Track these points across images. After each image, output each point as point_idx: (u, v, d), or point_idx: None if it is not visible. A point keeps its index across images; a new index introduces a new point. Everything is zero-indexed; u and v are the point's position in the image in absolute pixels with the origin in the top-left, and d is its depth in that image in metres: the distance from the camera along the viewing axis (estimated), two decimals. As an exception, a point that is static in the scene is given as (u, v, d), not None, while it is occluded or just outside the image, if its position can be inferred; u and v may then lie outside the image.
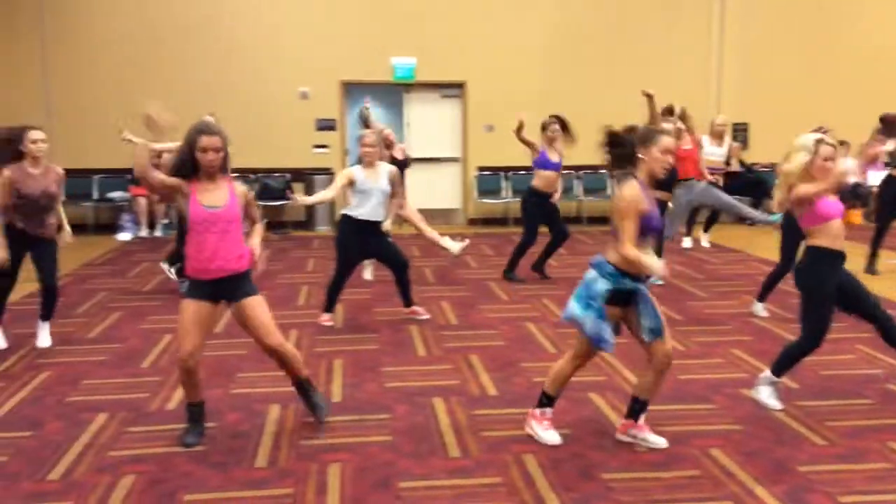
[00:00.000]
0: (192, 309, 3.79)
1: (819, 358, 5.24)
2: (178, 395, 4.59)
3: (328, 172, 11.31)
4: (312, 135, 11.39)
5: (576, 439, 3.95)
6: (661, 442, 3.85)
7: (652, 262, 3.63)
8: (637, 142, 3.65)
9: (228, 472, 3.59)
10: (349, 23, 11.32)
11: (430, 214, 9.75)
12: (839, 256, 4.19)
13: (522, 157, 11.59)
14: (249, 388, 4.72)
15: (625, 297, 3.68)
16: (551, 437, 3.91)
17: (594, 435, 4.01)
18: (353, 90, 12.43)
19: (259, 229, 4.08)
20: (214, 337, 5.81)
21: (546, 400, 3.96)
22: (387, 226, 6.48)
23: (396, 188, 6.12)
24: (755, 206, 11.58)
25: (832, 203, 4.16)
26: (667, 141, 3.67)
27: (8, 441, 3.93)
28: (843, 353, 5.38)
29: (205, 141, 3.73)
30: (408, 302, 6.31)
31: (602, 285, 3.62)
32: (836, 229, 4.15)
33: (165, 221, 10.89)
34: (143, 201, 10.61)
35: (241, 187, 3.94)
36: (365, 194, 5.86)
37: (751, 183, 10.83)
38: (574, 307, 3.71)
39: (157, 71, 11.03)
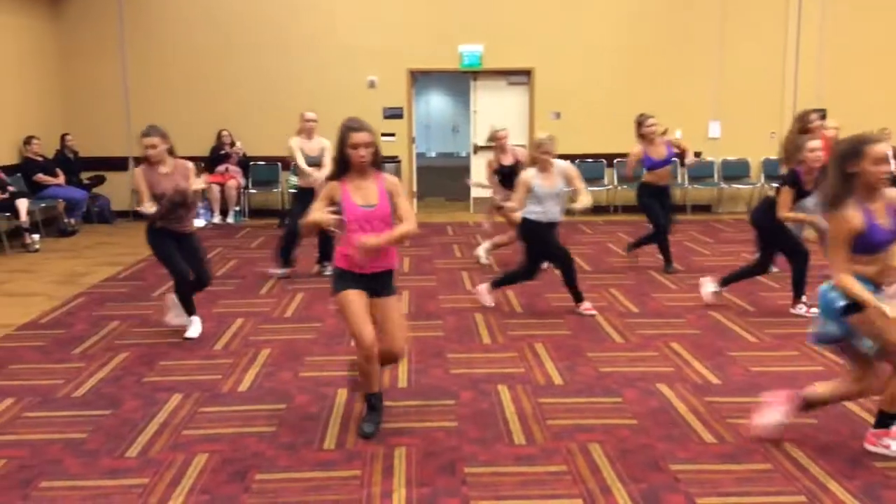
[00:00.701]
0: (355, 299, 3.77)
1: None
2: (250, 377, 4.72)
3: (395, 160, 11.39)
4: (380, 123, 11.47)
5: (643, 430, 3.91)
6: None
7: (870, 297, 3.29)
8: (844, 159, 3.38)
9: (297, 452, 3.68)
10: (417, 11, 11.35)
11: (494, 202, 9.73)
12: None
13: (589, 145, 11.55)
14: (318, 371, 4.80)
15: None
16: None
17: (662, 426, 3.95)
18: (420, 78, 12.48)
19: (403, 228, 3.79)
20: (284, 321, 5.95)
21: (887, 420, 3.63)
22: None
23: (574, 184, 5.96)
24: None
25: None
26: (878, 149, 3.34)
27: (88, 419, 4.10)
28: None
29: (355, 137, 3.69)
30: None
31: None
32: None
33: (237, 209, 11.15)
34: (216, 188, 10.87)
35: (391, 180, 3.85)
36: (540, 198, 5.81)
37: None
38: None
39: (227, 62, 11.27)
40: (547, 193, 5.82)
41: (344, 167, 3.77)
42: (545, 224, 5.91)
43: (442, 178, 15.83)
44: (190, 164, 5.44)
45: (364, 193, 3.76)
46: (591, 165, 11.69)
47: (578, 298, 6.13)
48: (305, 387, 4.54)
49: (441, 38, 11.36)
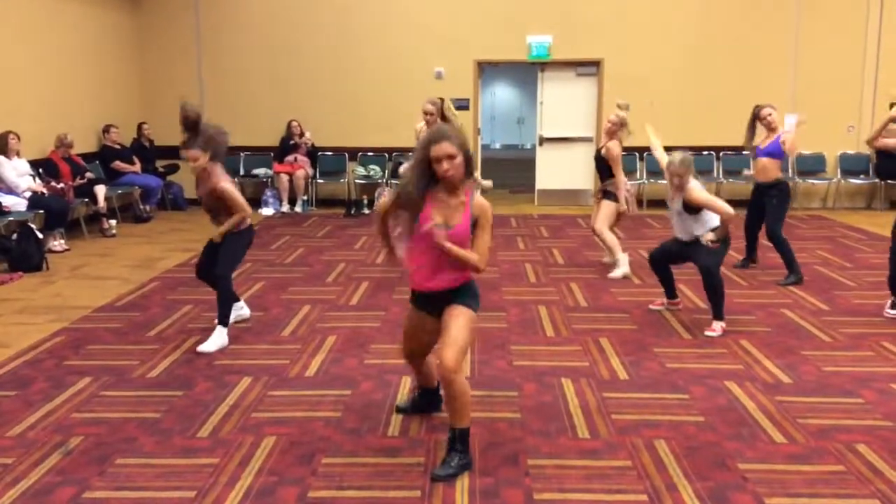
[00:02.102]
0: (412, 317, 3.60)
1: (985, 356, 4.86)
2: (317, 363, 4.80)
3: (460, 152, 11.39)
4: (445, 114, 11.49)
5: (711, 428, 3.84)
6: None
7: None
8: None
9: (363, 438, 3.73)
10: (485, 0, 11.32)
11: (562, 195, 9.67)
12: None
13: (661, 137, 11.32)
14: (382, 359, 4.86)
15: None
16: None
17: (730, 424, 3.88)
18: (487, 69, 12.45)
19: (472, 256, 3.37)
20: (350, 308, 6.04)
21: None
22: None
23: None
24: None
25: None
26: None
27: (162, 399, 4.24)
28: None
29: (434, 150, 3.26)
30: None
31: None
32: None
33: (305, 198, 11.33)
34: (284, 178, 11.08)
35: (481, 204, 3.45)
36: None
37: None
38: None
39: (297, 53, 11.45)
40: None
41: (429, 181, 3.34)
42: None
43: (506, 170, 15.77)
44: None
45: (444, 213, 3.35)
46: (659, 158, 11.48)
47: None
48: (370, 374, 4.60)
49: (509, 29, 11.31)
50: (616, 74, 11.27)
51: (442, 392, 3.56)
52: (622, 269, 7.06)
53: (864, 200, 11.63)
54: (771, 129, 6.92)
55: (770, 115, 6.89)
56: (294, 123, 11.23)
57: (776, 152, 6.87)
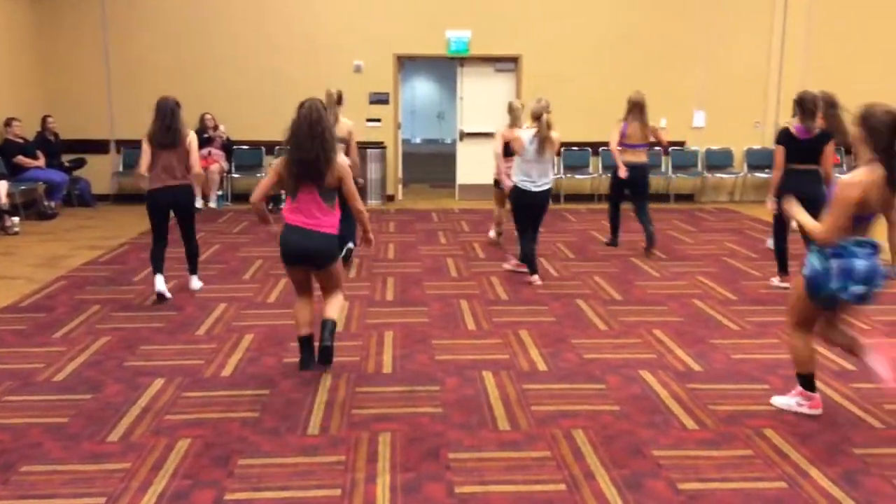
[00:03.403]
0: None
1: (877, 340, 5.12)
2: (233, 362, 4.70)
3: (380, 146, 11.34)
4: (365, 108, 11.41)
5: (626, 416, 3.93)
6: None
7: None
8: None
9: (281, 438, 3.67)
10: (403, -5, 11.28)
11: (483, 190, 9.73)
12: None
13: (574, 134, 11.53)
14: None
15: None
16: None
17: (645, 412, 3.98)
18: (407, 64, 12.41)
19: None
20: (267, 306, 5.93)
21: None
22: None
23: None
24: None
25: None
26: None
27: (69, 403, 4.07)
28: (904, 337, 5.23)
29: None
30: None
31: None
32: None
33: (220, 193, 11.06)
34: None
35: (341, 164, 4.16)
36: None
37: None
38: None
39: (210, 44, 11.16)
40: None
41: None
42: None
43: (427, 165, 15.80)
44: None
45: None
46: (577, 154, 11.70)
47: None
48: (289, 372, 4.52)
49: (428, 24, 11.30)
50: (534, 71, 11.41)
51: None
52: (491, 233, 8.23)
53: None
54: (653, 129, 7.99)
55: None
56: (208, 116, 10.93)
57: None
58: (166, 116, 5.87)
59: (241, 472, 3.33)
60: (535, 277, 6.62)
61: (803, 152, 6.06)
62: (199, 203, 10.71)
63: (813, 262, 3.71)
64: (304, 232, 4.38)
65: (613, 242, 8.26)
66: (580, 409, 4.02)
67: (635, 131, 7.84)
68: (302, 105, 4.43)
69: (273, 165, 4.51)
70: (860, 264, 3.54)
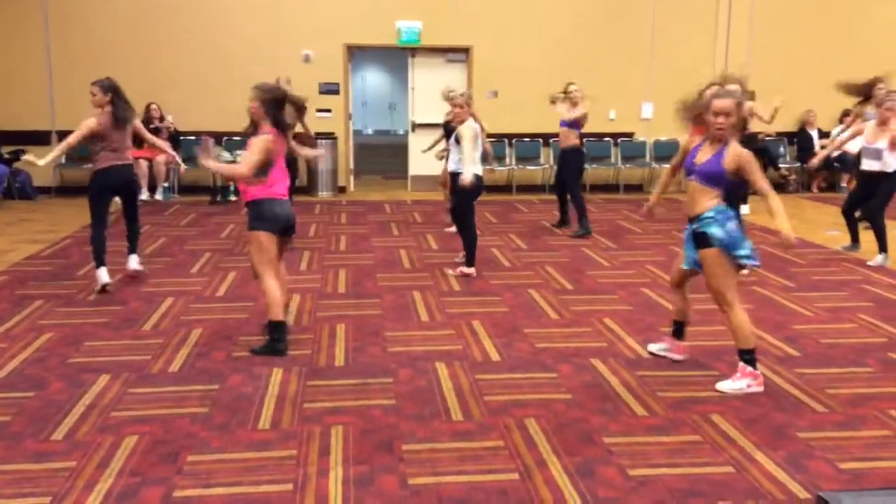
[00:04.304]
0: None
1: (819, 326, 5.27)
2: (181, 357, 4.61)
3: (332, 137, 11.24)
4: (315, 98, 11.29)
5: (578, 404, 3.97)
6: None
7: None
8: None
9: (231, 433, 3.61)
10: (353, -15, 11.18)
11: (436, 181, 9.72)
12: None
13: (526, 125, 11.60)
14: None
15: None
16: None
17: (596, 400, 4.02)
18: (357, 53, 12.31)
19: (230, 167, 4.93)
20: (216, 300, 5.84)
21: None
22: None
23: None
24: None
25: None
26: (720, 103, 4.07)
27: (11, 401, 3.95)
28: (843, 322, 5.38)
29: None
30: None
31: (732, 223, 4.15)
32: None
33: (166, 185, 10.85)
34: (144, 164, 10.52)
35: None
36: None
37: (757, 151, 10.79)
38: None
39: (156, 33, 10.92)
40: None
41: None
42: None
43: (379, 156, 15.72)
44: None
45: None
46: (528, 145, 11.77)
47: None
48: (239, 367, 4.46)
49: (379, 13, 11.23)
50: (485, 62, 11.43)
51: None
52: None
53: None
54: (573, 103, 8.32)
55: (575, 91, 8.36)
56: (153, 107, 10.68)
57: (574, 124, 8.30)
58: (121, 93, 6.00)
59: (191, 469, 3.28)
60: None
61: None
62: (144, 195, 10.52)
63: (715, 232, 4.11)
64: (287, 202, 4.73)
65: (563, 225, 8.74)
66: (532, 398, 4.05)
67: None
68: (273, 86, 4.79)
69: (264, 148, 4.53)
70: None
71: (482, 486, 3.16)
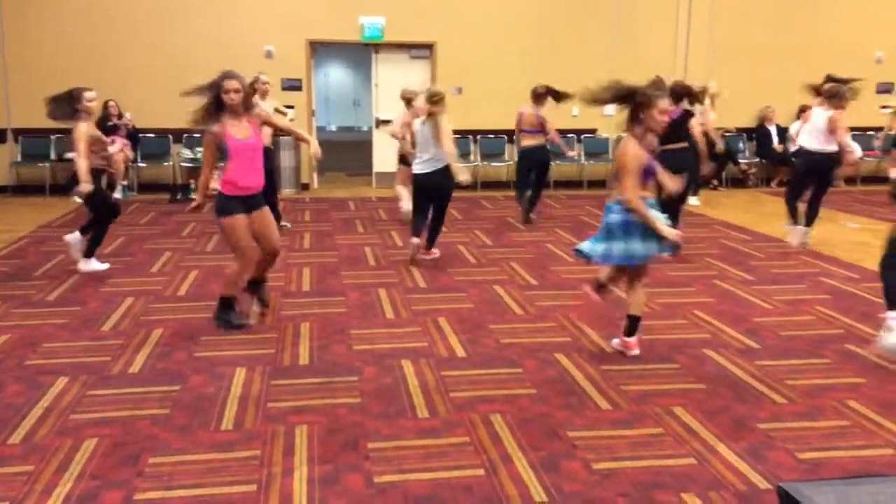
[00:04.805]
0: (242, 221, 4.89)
1: (778, 319, 5.36)
2: (142, 358, 4.54)
3: (294, 134, 11.13)
4: (278, 95, 11.17)
5: (542, 399, 3.99)
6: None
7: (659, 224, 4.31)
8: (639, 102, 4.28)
9: (193, 434, 3.57)
10: (315, -20, 11.08)
11: (395, 177, 9.69)
12: None
13: (491, 121, 11.61)
14: (214, 351, 4.66)
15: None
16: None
17: (561, 395, 4.05)
18: (320, 49, 12.22)
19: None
20: (177, 300, 5.76)
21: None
22: None
23: None
24: (720, 170, 11.78)
25: None
26: (663, 102, 4.29)
27: (-34, 405, 3.86)
28: (801, 315, 5.48)
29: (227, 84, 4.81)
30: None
31: (614, 217, 4.37)
32: None
33: (125, 183, 10.67)
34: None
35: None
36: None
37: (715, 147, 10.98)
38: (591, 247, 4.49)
39: (113, 29, 10.72)
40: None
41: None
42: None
43: (343, 153, 15.63)
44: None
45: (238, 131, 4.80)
46: (493, 141, 11.79)
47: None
48: (200, 367, 4.40)
49: (341, 9, 11.15)
50: (449, 58, 11.41)
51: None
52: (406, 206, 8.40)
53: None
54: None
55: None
56: (111, 104, 10.48)
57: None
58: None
59: (152, 471, 3.23)
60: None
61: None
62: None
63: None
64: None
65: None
66: (498, 393, 4.06)
67: (531, 119, 8.65)
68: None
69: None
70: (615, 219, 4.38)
71: (448, 482, 3.16)
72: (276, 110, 8.37)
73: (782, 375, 4.34)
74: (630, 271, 4.57)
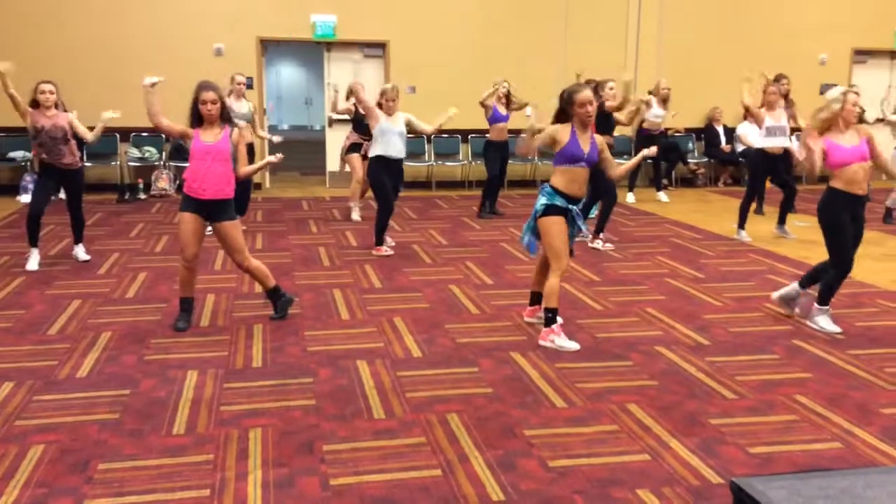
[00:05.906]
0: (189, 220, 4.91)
1: (728, 316, 5.47)
2: (90, 362, 4.43)
3: (245, 133, 10.98)
4: (228, 94, 11.01)
5: (498, 398, 4.00)
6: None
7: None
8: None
9: (144, 439, 3.49)
10: (266, -23, 10.95)
11: (351, 177, 9.63)
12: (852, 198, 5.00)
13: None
14: (165, 354, 4.57)
15: (562, 211, 4.67)
16: (572, 344, 4.72)
17: (516, 394, 4.06)
18: (271, 48, 12.08)
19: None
20: (126, 302, 5.64)
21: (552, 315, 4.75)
22: None
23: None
24: (670, 169, 11.97)
25: (846, 150, 4.96)
26: (582, 95, 4.69)
27: None
28: (750, 311, 5.59)
29: (204, 95, 4.90)
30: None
31: (540, 201, 4.70)
32: (849, 174, 4.96)
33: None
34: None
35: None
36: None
37: (667, 147, 11.18)
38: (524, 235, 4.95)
39: (58, 24, 10.44)
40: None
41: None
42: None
43: (296, 152, 15.44)
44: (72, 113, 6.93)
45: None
46: (446, 141, 11.79)
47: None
48: (151, 371, 4.31)
49: (293, 7, 11.04)
50: (402, 57, 11.38)
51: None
52: (355, 213, 9.03)
53: (625, 179, 12.67)
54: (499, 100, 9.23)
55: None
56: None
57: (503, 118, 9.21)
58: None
59: (102, 478, 3.15)
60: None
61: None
62: (23, 198, 9.99)
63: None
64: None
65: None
66: (454, 393, 4.06)
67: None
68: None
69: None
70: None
71: (405, 483, 3.15)
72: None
73: (732, 371, 4.42)
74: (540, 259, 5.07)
